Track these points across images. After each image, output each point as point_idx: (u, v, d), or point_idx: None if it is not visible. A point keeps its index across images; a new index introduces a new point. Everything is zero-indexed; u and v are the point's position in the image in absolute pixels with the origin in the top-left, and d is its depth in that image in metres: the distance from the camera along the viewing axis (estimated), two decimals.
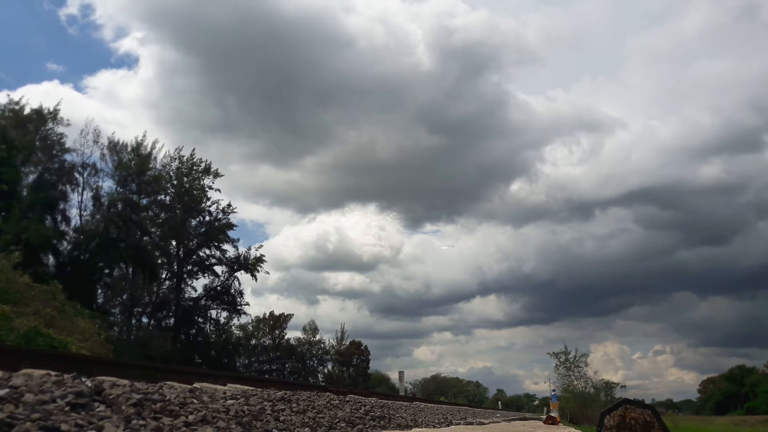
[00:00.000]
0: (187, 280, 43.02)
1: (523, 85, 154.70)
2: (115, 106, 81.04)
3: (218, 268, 44.03)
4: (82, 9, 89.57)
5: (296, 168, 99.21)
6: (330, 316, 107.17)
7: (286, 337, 60.81)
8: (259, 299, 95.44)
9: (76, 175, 35.79)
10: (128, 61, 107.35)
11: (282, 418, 4.76)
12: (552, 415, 16.86)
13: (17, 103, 32.72)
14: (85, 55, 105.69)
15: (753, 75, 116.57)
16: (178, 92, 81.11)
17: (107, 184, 37.67)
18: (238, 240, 47.68)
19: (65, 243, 34.49)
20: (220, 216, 43.31)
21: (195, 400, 4.14)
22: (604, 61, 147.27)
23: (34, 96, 62.49)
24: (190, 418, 3.64)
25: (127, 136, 55.44)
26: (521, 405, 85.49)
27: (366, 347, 64.11)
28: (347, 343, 63.31)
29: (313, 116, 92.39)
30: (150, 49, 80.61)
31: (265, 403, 5.15)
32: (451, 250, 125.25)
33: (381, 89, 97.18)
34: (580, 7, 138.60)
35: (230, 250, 44.24)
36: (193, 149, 42.67)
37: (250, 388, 6.11)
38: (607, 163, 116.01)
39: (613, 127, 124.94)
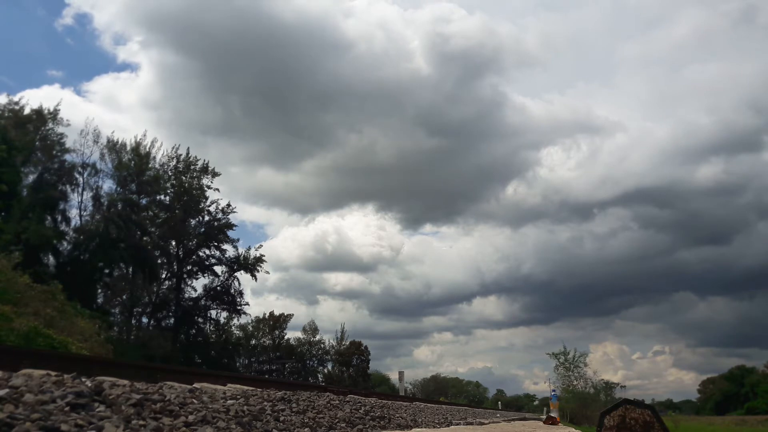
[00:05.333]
0: (187, 280, 43.02)
1: (520, 88, 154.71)
2: (116, 110, 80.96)
3: (218, 268, 44.05)
4: (78, 18, 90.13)
5: (296, 170, 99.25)
6: (330, 316, 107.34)
7: (286, 337, 60.91)
8: (258, 299, 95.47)
9: (76, 176, 35.81)
10: (128, 66, 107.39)
11: (282, 419, 4.76)
12: (552, 415, 16.88)
13: (17, 103, 32.73)
14: (86, 61, 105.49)
15: (752, 76, 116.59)
16: (178, 95, 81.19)
17: (107, 185, 37.78)
18: (238, 240, 47.71)
19: (65, 243, 34.53)
20: (219, 216, 43.38)
21: (195, 401, 4.14)
22: (601, 65, 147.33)
23: (34, 99, 62.19)
24: (190, 418, 3.64)
25: (127, 137, 55.29)
26: (521, 405, 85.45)
27: (366, 347, 64.15)
28: (347, 343, 63.30)
29: (313, 119, 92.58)
30: (150, 53, 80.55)
31: (265, 403, 5.15)
32: (450, 251, 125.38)
33: (380, 93, 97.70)
34: (577, 12, 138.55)
35: (230, 250, 44.30)
36: (188, 148, 42.61)
37: (250, 388, 6.10)
38: (605, 164, 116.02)
39: (611, 129, 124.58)
